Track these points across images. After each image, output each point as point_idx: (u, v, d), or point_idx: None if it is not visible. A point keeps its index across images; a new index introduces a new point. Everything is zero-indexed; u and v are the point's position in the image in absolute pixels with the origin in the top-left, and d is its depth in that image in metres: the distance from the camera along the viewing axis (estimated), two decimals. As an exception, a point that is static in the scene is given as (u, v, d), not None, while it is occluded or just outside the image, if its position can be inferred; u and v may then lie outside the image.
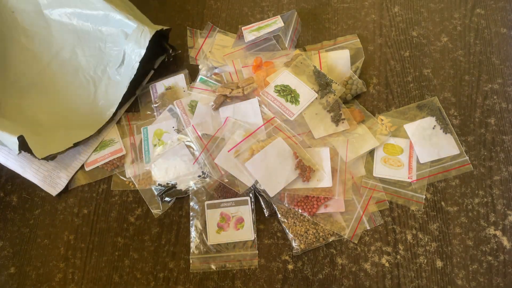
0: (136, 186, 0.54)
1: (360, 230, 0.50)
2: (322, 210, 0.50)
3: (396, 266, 0.49)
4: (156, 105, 0.58)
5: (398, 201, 0.51)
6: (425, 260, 0.49)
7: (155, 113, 0.58)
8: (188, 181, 0.53)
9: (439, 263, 0.49)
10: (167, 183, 0.53)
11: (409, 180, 0.52)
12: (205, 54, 0.61)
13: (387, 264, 0.49)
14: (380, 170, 0.52)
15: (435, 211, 0.51)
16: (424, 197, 0.51)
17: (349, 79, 0.56)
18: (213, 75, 0.58)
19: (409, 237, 0.50)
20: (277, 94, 0.53)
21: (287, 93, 0.53)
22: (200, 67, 0.60)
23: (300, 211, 0.50)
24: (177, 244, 0.51)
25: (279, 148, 0.51)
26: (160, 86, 0.60)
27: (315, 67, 0.56)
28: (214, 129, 0.54)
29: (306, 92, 0.54)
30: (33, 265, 0.52)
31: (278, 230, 0.51)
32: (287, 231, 0.50)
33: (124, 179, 0.55)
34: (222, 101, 0.54)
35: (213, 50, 0.61)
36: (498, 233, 0.49)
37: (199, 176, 0.53)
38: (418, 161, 0.52)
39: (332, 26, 0.63)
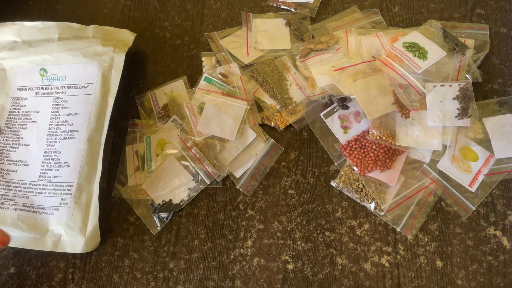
0: (133, 196, 0.54)
1: (400, 210, 0.50)
2: (373, 174, 0.52)
3: (396, 266, 0.49)
4: (159, 115, 0.58)
5: (447, 200, 0.51)
6: (425, 260, 0.49)
7: (157, 123, 0.58)
8: (182, 193, 0.53)
9: (439, 263, 0.49)
10: (162, 200, 0.53)
11: (470, 188, 0.51)
12: (254, 47, 0.61)
13: (387, 264, 0.49)
14: (446, 165, 0.52)
15: (435, 211, 0.51)
16: (474, 209, 0.50)
17: (468, 67, 0.56)
18: (219, 75, 0.58)
19: (409, 237, 0.50)
20: (405, 49, 0.55)
21: (416, 49, 0.54)
22: (203, 63, 0.59)
23: (354, 167, 0.52)
24: (177, 244, 0.52)
25: (379, 82, 0.53)
26: (160, 93, 0.59)
27: (443, 29, 0.57)
28: (221, 130, 0.54)
29: (435, 50, 0.54)
30: (33, 265, 0.52)
31: (278, 230, 0.51)
32: (344, 167, 0.53)
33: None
34: (308, 52, 0.58)
35: (259, 39, 0.61)
36: (498, 233, 0.49)
37: (189, 189, 0.53)
38: (484, 178, 0.52)
39: (332, 26, 0.63)
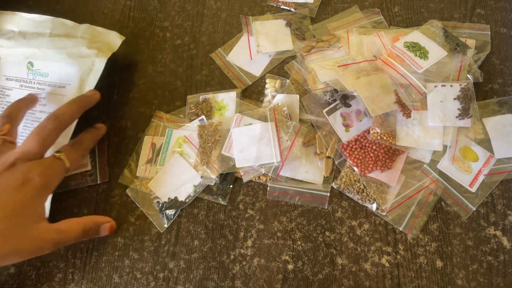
0: (139, 187, 0.54)
1: (401, 210, 0.50)
2: (374, 175, 0.52)
3: (396, 266, 0.49)
4: (190, 111, 0.57)
5: (447, 200, 0.51)
6: (425, 260, 0.49)
7: (184, 118, 0.57)
8: (188, 189, 0.53)
9: (439, 263, 0.49)
10: (168, 198, 0.53)
11: (470, 188, 0.51)
12: (256, 51, 0.60)
13: (387, 264, 0.49)
14: (446, 165, 0.52)
15: (435, 211, 0.51)
16: (474, 209, 0.51)
17: (468, 67, 0.56)
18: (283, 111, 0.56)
19: (409, 237, 0.50)
20: (406, 49, 0.55)
21: (417, 49, 0.55)
22: (266, 85, 0.58)
23: (354, 168, 0.52)
24: (177, 244, 0.52)
25: (382, 81, 0.53)
26: (211, 100, 0.58)
27: (444, 29, 0.57)
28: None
29: (436, 50, 0.55)
30: (33, 265, 0.52)
31: (278, 230, 0.51)
32: (344, 168, 0.53)
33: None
34: (310, 49, 0.58)
35: (261, 42, 0.61)
36: (498, 233, 0.49)
37: (194, 186, 0.53)
38: (485, 178, 0.52)
39: (332, 26, 0.63)
